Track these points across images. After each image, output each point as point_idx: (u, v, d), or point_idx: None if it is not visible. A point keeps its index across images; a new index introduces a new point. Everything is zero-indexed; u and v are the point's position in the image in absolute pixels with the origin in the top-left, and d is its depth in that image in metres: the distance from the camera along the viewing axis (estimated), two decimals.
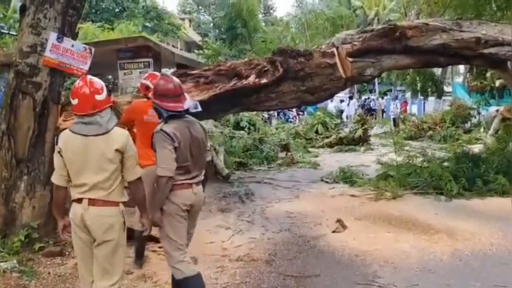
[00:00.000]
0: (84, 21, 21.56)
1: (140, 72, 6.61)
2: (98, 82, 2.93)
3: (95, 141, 2.82)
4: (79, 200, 2.86)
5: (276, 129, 15.70)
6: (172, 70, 9.77)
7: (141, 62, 6.84)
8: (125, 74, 6.58)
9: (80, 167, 2.84)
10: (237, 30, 19.45)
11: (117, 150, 2.84)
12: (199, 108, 3.41)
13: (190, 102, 3.31)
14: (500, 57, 6.87)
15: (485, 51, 6.84)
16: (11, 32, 13.17)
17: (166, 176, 3.10)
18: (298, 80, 6.21)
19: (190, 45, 39.06)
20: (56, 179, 2.92)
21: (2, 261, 4.26)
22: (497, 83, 19.85)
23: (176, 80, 3.37)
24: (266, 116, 19.06)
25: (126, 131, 3.05)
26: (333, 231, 5.58)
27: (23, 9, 4.88)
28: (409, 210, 6.44)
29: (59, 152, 2.87)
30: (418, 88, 11.89)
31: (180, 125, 3.24)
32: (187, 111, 3.31)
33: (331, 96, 7.01)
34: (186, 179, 3.25)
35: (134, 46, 6.96)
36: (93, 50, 5.11)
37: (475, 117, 17.66)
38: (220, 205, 7.01)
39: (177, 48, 36.19)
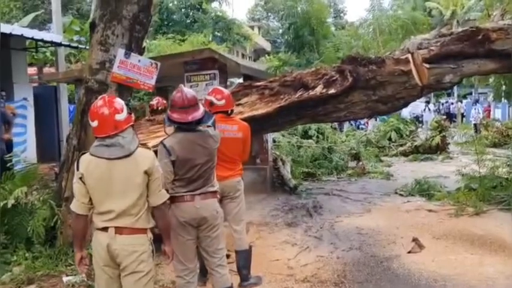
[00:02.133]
0: (157, 33, 22.49)
1: (206, 85, 6.62)
2: (118, 101, 2.80)
3: (120, 165, 2.69)
4: (104, 229, 2.73)
5: (346, 136, 15.24)
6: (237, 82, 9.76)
7: (207, 74, 6.86)
8: (191, 86, 6.59)
9: (105, 192, 2.70)
10: (304, 39, 19.01)
11: (145, 172, 2.71)
12: (208, 123, 3.42)
13: (198, 114, 3.28)
14: None
15: None
16: (87, 47, 13.86)
17: None
18: (369, 89, 5.85)
19: (259, 53, 39.48)
20: (77, 207, 2.77)
21: (71, 275, 4.35)
22: None
23: (189, 92, 3.37)
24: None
25: (152, 151, 2.90)
26: (409, 252, 5.19)
27: (93, 26, 5.02)
28: (495, 228, 5.86)
29: (80, 178, 2.71)
30: (503, 92, 10.89)
31: (183, 137, 3.29)
32: (199, 122, 3.31)
33: (405, 106, 6.53)
34: (187, 191, 3.29)
35: (200, 58, 7.00)
36: (159, 64, 5.14)
37: None
38: (287, 219, 6.80)
39: (246, 55, 36.70)
